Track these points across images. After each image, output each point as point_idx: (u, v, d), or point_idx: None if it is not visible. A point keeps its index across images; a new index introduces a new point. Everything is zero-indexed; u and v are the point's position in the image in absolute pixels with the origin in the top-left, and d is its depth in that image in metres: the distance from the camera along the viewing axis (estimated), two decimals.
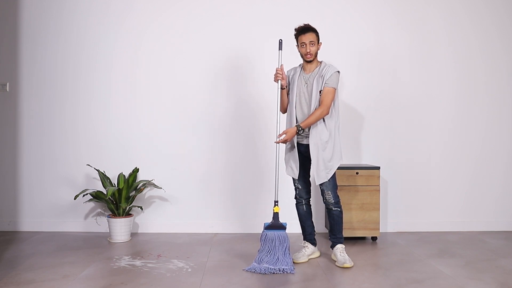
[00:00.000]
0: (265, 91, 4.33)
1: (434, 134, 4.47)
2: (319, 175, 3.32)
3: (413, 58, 4.45)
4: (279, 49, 3.46)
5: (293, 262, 3.41)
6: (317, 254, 3.58)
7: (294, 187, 3.54)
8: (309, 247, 3.53)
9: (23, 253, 3.63)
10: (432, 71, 4.47)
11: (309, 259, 3.50)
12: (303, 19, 4.32)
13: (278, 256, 3.18)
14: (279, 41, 3.47)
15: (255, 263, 3.20)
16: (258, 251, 3.27)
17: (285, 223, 3.29)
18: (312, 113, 3.27)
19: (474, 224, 4.47)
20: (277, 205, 3.33)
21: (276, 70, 3.40)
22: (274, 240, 3.22)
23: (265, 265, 3.14)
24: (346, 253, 3.50)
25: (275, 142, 3.37)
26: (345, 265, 3.31)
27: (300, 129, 3.28)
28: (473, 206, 4.50)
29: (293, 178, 3.50)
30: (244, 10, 4.39)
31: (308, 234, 3.56)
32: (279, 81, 3.39)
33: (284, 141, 3.32)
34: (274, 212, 3.29)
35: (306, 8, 4.39)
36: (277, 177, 3.38)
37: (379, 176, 4.03)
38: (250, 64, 4.39)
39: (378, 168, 4.03)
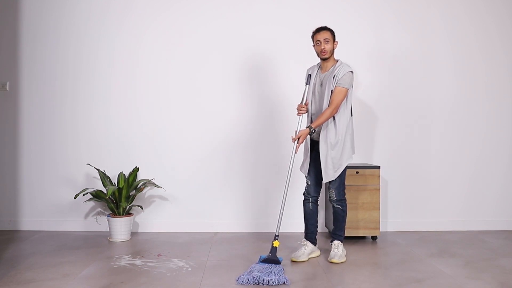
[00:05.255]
0: (268, 90, 4.34)
1: (434, 134, 4.47)
2: (327, 173, 3.38)
3: (413, 58, 4.45)
4: (306, 84, 3.50)
5: (293, 261, 3.43)
6: (317, 253, 3.59)
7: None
8: (309, 245, 3.53)
9: (23, 252, 3.63)
10: (433, 71, 4.46)
11: (308, 258, 3.50)
12: (305, 19, 4.35)
13: (272, 270, 3.04)
14: (307, 76, 3.51)
15: (246, 275, 2.99)
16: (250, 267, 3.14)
17: (281, 258, 3.26)
18: (322, 113, 3.34)
19: (474, 224, 4.47)
20: (277, 239, 3.26)
21: (300, 106, 3.45)
22: (269, 264, 3.15)
23: (256, 273, 2.97)
24: (346, 250, 3.52)
25: (293, 141, 3.40)
26: (333, 260, 3.36)
27: (312, 129, 3.36)
28: (473, 206, 4.50)
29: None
30: (244, 9, 4.38)
31: (310, 233, 3.57)
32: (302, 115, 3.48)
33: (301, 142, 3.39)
34: (272, 246, 3.23)
35: (307, 8, 4.38)
36: (282, 207, 3.38)
37: (379, 176, 4.03)
38: (251, 63, 4.38)
39: (378, 167, 4.03)
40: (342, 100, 3.33)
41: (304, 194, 3.60)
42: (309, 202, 3.57)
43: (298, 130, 3.44)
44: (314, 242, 3.57)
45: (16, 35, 4.34)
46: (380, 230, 4.20)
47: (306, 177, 3.57)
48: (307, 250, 3.51)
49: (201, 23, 4.37)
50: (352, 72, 3.35)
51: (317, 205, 3.60)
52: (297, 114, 3.48)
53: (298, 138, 3.36)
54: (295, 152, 3.40)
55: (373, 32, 4.42)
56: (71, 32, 4.35)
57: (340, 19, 4.39)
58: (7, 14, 4.34)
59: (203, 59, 4.38)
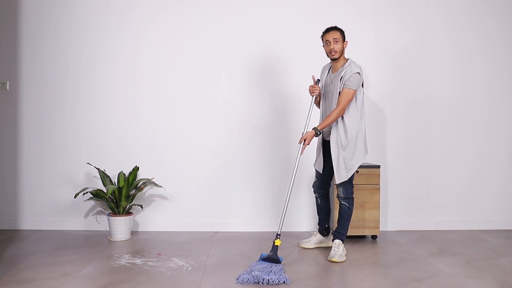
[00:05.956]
0: (269, 91, 4.35)
1: (434, 133, 4.48)
2: (339, 174, 3.43)
3: (413, 58, 4.45)
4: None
5: (298, 245, 3.69)
6: (329, 244, 3.68)
7: None
8: (317, 236, 3.72)
9: (23, 251, 3.63)
10: (432, 70, 4.46)
11: (316, 247, 3.72)
12: (305, 19, 4.35)
13: (272, 270, 3.03)
14: (316, 80, 3.59)
15: (246, 274, 2.98)
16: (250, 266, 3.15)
17: (282, 258, 3.24)
18: (328, 115, 3.39)
19: (474, 223, 4.47)
20: (279, 238, 3.26)
21: (313, 87, 3.51)
22: (269, 263, 3.12)
23: (256, 272, 2.97)
24: (346, 250, 3.55)
25: (298, 143, 3.46)
26: (332, 259, 3.38)
27: (317, 131, 3.39)
28: (473, 205, 4.50)
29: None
30: (244, 9, 4.37)
31: (319, 224, 3.74)
32: (315, 96, 3.55)
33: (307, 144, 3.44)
34: (274, 245, 3.22)
35: (307, 8, 4.39)
36: (285, 207, 3.39)
37: (379, 175, 4.04)
38: (251, 63, 4.38)
39: (378, 166, 4.04)
40: (349, 102, 3.34)
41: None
42: (317, 197, 3.73)
43: (311, 110, 3.50)
44: (323, 233, 3.69)
45: (16, 34, 4.34)
46: (380, 229, 4.21)
47: (316, 171, 3.69)
48: (313, 240, 3.72)
49: (201, 23, 4.38)
50: (359, 73, 3.35)
51: (327, 200, 3.70)
52: (311, 95, 3.52)
53: (304, 140, 3.39)
54: (301, 154, 3.43)
55: (373, 32, 4.43)
56: (71, 32, 4.35)
57: (340, 19, 4.38)
58: (7, 14, 4.34)
59: (203, 59, 4.38)
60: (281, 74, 4.39)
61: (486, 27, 4.49)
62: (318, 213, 3.77)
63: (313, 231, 3.82)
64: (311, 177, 4.36)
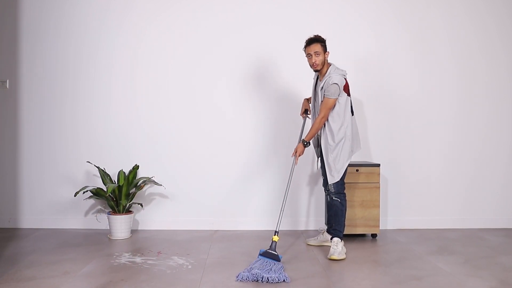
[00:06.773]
0: (268, 90, 4.36)
1: (434, 132, 4.48)
2: (332, 175, 3.54)
3: (413, 56, 4.46)
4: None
5: (306, 243, 3.81)
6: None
7: None
8: (325, 234, 3.77)
9: (23, 250, 3.63)
10: (433, 69, 4.47)
11: (322, 245, 3.76)
12: (305, 19, 4.36)
13: (271, 268, 3.03)
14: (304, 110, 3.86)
15: (246, 272, 2.99)
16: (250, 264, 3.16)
17: (281, 256, 3.24)
18: (312, 125, 3.56)
19: (473, 222, 4.48)
20: (277, 234, 3.31)
21: (301, 114, 3.85)
22: (269, 262, 3.12)
23: (256, 270, 2.97)
24: (345, 247, 3.56)
25: (291, 156, 3.63)
26: (332, 257, 3.40)
27: (305, 143, 3.55)
28: (473, 204, 4.50)
29: None
30: (244, 9, 4.38)
31: (328, 223, 3.77)
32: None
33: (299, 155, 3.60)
34: (272, 241, 3.27)
35: (306, 8, 4.39)
36: (282, 208, 3.46)
37: (379, 174, 4.04)
38: (251, 63, 4.39)
39: (378, 165, 4.04)
40: (329, 110, 3.46)
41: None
42: (326, 195, 3.76)
43: (300, 137, 3.71)
44: (330, 232, 3.69)
45: (16, 33, 4.35)
46: (380, 228, 4.21)
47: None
48: (320, 238, 3.80)
49: (201, 23, 4.38)
50: (336, 83, 3.41)
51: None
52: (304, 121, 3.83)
53: (296, 152, 3.56)
54: (295, 164, 3.58)
55: (373, 32, 4.43)
56: (71, 32, 4.36)
57: (340, 19, 4.41)
58: (7, 13, 4.34)
59: (202, 58, 4.38)
60: (281, 73, 4.39)
61: (486, 27, 4.49)
62: (327, 211, 3.80)
63: (321, 230, 3.88)
64: (311, 178, 4.39)
